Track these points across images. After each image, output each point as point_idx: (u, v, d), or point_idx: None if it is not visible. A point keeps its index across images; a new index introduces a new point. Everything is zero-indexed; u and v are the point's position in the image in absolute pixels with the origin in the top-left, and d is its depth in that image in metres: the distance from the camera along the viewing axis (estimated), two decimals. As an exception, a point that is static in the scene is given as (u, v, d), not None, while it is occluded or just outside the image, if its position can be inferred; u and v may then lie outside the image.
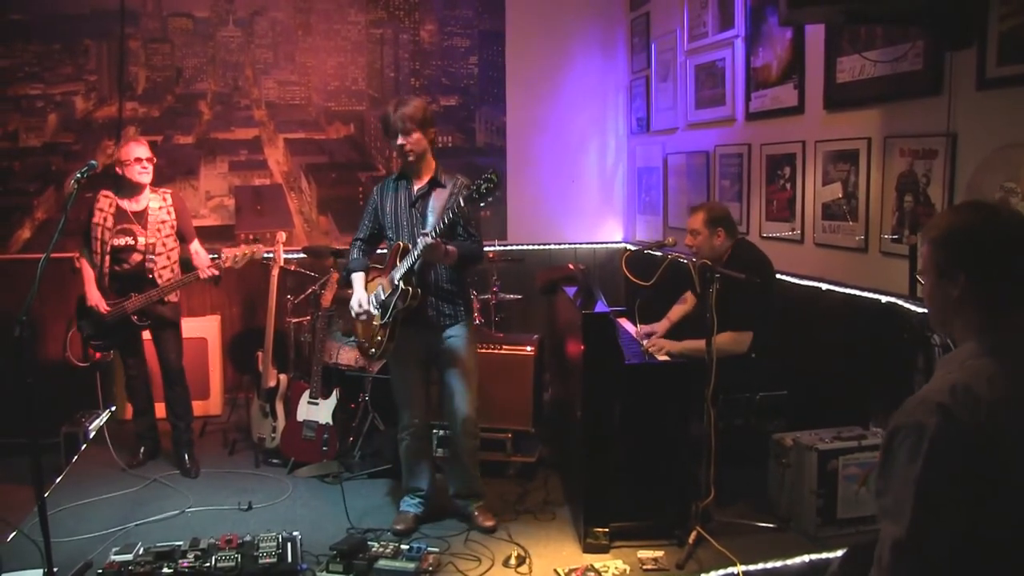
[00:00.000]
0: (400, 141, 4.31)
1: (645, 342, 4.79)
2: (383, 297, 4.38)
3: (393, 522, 4.57)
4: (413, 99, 4.41)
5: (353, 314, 4.47)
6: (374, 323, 4.43)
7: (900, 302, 4.19)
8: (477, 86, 7.41)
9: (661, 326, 5.23)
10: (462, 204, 4.09)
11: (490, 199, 4.06)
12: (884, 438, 2.02)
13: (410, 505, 4.66)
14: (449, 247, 4.21)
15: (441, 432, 5.10)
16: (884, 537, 1.97)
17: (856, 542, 2.88)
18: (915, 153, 4.17)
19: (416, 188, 4.44)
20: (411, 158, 4.35)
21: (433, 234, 4.13)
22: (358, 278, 4.52)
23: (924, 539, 1.90)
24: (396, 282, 4.29)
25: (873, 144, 4.48)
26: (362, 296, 4.45)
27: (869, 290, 4.48)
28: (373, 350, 4.46)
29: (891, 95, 4.32)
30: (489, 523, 4.54)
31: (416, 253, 4.17)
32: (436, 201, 4.36)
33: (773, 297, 4.76)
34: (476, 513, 4.59)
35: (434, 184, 4.41)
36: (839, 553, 2.91)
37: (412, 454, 4.65)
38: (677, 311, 5.27)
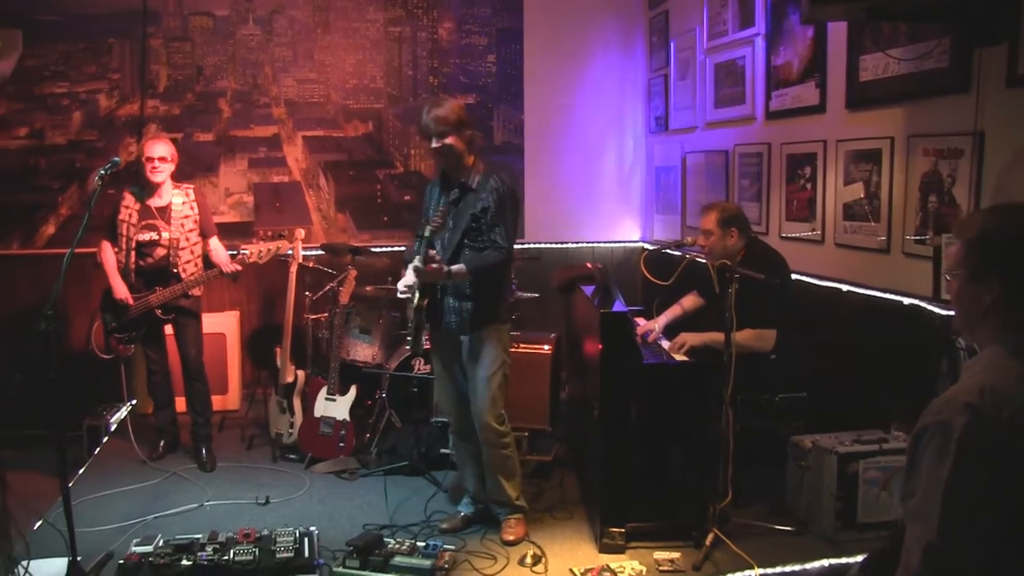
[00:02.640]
0: (434, 144, 4.20)
1: (665, 344, 4.76)
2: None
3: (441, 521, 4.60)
4: (447, 100, 4.29)
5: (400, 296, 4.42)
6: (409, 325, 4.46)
7: (923, 304, 4.16)
8: (495, 84, 7.41)
9: (671, 311, 5.17)
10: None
11: None
12: (910, 439, 1.99)
13: (463, 504, 4.67)
14: (454, 268, 4.16)
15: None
16: (912, 540, 1.94)
17: (877, 547, 2.86)
18: (939, 152, 4.13)
19: (451, 192, 4.35)
20: (444, 162, 4.30)
21: (420, 261, 4.13)
22: (407, 268, 4.44)
23: (954, 541, 1.87)
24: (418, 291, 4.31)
25: (896, 143, 4.44)
26: (407, 280, 4.37)
27: (891, 292, 4.44)
28: (408, 346, 4.56)
29: (915, 93, 4.28)
30: (509, 537, 4.42)
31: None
32: (464, 206, 4.28)
33: (791, 296, 4.74)
34: (503, 524, 4.50)
35: (464, 189, 4.31)
36: (859, 558, 2.90)
37: (456, 454, 4.67)
38: (691, 300, 5.19)
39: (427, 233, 4.18)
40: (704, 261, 4.78)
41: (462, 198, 4.30)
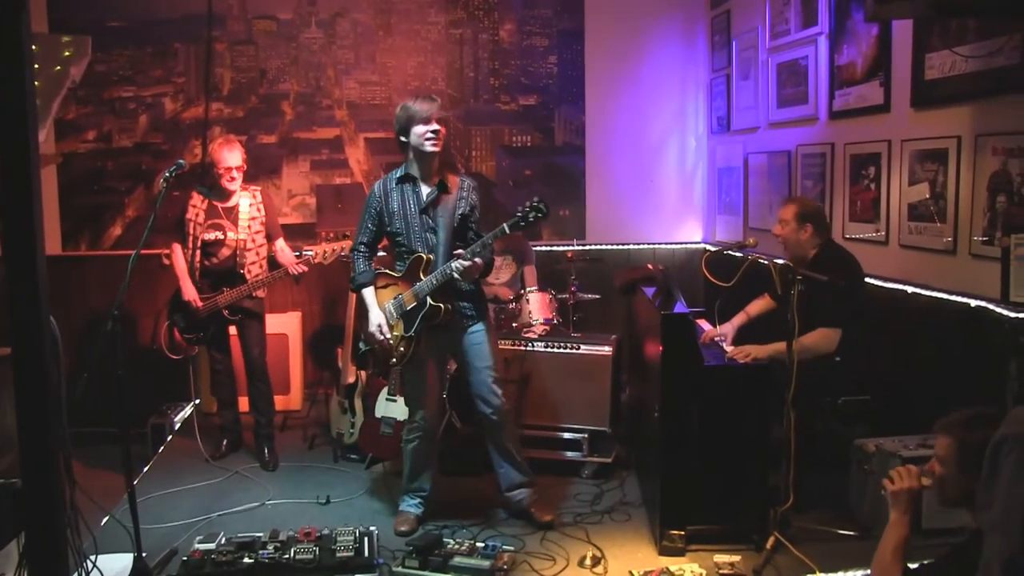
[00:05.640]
0: (437, 127, 4.32)
1: (729, 348, 4.72)
2: (406, 309, 4.40)
3: (396, 523, 4.59)
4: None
5: (376, 339, 4.42)
6: (395, 333, 4.46)
7: (991, 306, 4.06)
8: (556, 85, 7.40)
9: (737, 319, 5.15)
10: (507, 230, 4.14)
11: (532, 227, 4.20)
12: (988, 448, 1.94)
13: (411, 505, 4.67)
14: (477, 262, 4.26)
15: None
16: (991, 552, 1.89)
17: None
18: (1010, 151, 4.03)
19: (425, 192, 4.43)
20: (435, 149, 4.35)
21: (468, 256, 4.20)
22: (370, 293, 4.49)
23: None
24: (425, 300, 4.33)
25: (963, 143, 4.35)
26: (381, 319, 4.42)
27: (957, 293, 4.35)
28: (395, 360, 4.50)
29: (984, 91, 4.18)
30: (547, 518, 4.55)
31: (451, 273, 4.23)
32: (444, 206, 4.39)
33: (862, 299, 4.67)
34: (532, 510, 4.60)
35: (442, 188, 4.41)
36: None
37: (419, 455, 4.64)
38: (756, 306, 5.18)
39: (458, 270, 4.22)
40: (766, 263, 4.73)
41: (439, 197, 4.41)
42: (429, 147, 4.33)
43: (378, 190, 4.52)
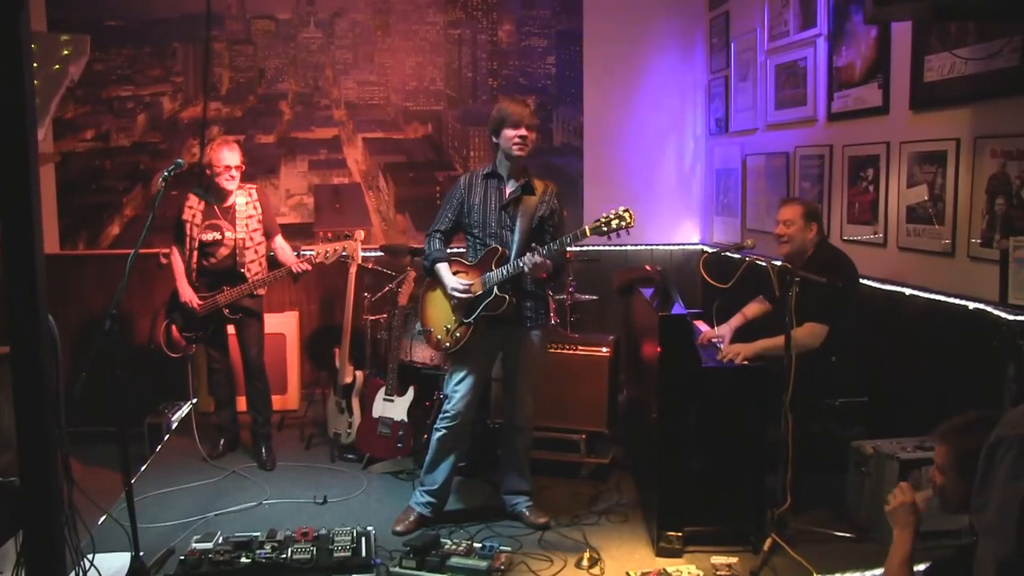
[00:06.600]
0: (525, 133, 4.34)
1: (720, 345, 4.72)
2: (473, 296, 4.41)
3: (394, 523, 4.58)
4: None
5: (456, 296, 4.40)
6: (455, 318, 4.46)
7: (989, 309, 4.06)
8: (555, 86, 7.40)
9: (734, 320, 5.14)
10: (587, 232, 4.18)
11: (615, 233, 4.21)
12: (983, 450, 1.94)
13: (419, 504, 4.63)
14: (547, 261, 4.27)
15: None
16: (985, 554, 1.89)
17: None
18: (1008, 154, 4.03)
19: (509, 190, 4.47)
20: (520, 154, 4.38)
21: (541, 252, 4.22)
22: (445, 268, 4.49)
23: None
24: (492, 289, 4.35)
25: (962, 145, 4.36)
26: (458, 280, 4.42)
27: (956, 296, 4.35)
28: (448, 344, 4.49)
29: (983, 93, 4.18)
30: (543, 519, 4.58)
31: (521, 266, 4.25)
32: (525, 206, 4.42)
33: (854, 298, 4.67)
34: (528, 513, 4.63)
35: (527, 189, 4.46)
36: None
37: (444, 448, 4.60)
38: (754, 308, 5.17)
39: (529, 265, 4.24)
40: (764, 264, 4.73)
41: (521, 197, 4.45)
42: (515, 151, 4.38)
43: (463, 182, 4.58)
